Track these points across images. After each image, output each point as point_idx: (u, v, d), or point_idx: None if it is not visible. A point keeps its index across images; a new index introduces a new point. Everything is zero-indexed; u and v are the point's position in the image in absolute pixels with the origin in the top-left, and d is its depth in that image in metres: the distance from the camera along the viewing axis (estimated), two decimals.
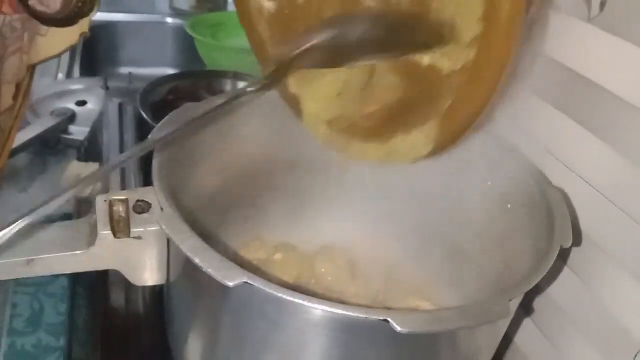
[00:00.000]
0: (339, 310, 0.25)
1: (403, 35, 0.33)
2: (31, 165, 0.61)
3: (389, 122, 0.36)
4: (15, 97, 0.33)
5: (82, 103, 0.74)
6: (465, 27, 0.30)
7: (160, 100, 0.65)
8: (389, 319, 0.24)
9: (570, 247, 0.32)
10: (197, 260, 0.26)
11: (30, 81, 0.34)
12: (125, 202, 0.33)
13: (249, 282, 0.25)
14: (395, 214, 0.43)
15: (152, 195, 0.33)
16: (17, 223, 0.26)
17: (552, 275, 0.36)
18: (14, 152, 0.59)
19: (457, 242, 0.40)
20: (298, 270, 0.43)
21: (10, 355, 0.37)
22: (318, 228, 0.45)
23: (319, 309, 0.25)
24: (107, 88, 0.75)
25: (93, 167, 0.58)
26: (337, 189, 0.44)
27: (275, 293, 0.25)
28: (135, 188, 0.51)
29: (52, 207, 0.27)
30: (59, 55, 0.34)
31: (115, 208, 0.33)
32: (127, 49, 0.96)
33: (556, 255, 0.30)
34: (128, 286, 0.45)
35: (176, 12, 1.00)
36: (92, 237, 0.32)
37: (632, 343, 0.31)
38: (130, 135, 0.61)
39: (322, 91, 0.38)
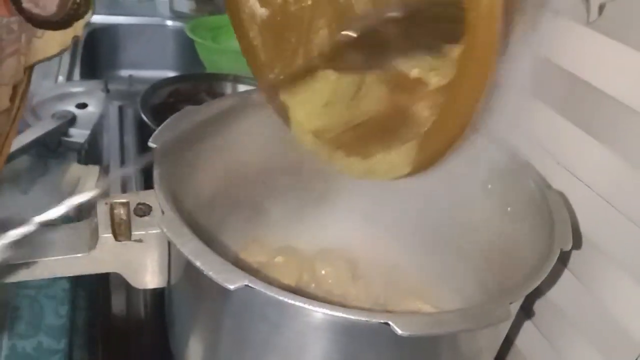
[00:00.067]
0: (340, 313, 0.25)
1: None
2: (32, 168, 0.61)
3: (371, 139, 0.36)
4: (12, 99, 0.33)
5: (82, 106, 0.74)
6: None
7: (161, 102, 0.65)
8: (389, 322, 0.24)
9: (570, 250, 0.32)
10: (197, 263, 0.26)
11: (28, 83, 0.34)
12: (126, 205, 0.33)
13: (249, 285, 0.25)
14: (395, 217, 0.43)
15: (153, 198, 0.33)
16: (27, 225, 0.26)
17: (552, 277, 0.36)
18: (15, 155, 0.59)
19: (458, 245, 0.40)
20: (298, 273, 0.43)
21: (11, 358, 0.37)
22: (318, 230, 0.45)
23: (319, 312, 0.25)
24: (107, 91, 0.75)
25: (93, 169, 0.58)
26: (337, 192, 0.44)
27: (276, 296, 0.25)
28: (136, 191, 0.51)
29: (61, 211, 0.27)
30: (52, 57, 0.34)
31: (116, 211, 0.33)
32: (127, 51, 0.97)
33: (556, 258, 0.30)
34: (129, 289, 0.45)
35: (176, 15, 1.00)
36: (93, 240, 0.32)
37: (633, 345, 0.31)
38: (130, 137, 0.62)
39: (309, 99, 0.38)
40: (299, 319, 0.27)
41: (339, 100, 0.37)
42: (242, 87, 0.70)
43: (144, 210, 0.33)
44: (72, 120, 0.70)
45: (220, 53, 0.81)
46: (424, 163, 0.32)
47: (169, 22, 0.98)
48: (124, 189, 0.52)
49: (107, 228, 0.32)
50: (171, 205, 0.30)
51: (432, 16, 0.34)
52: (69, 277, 0.39)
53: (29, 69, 0.33)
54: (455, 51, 0.30)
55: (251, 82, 0.69)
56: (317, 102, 0.37)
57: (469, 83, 0.27)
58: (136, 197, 0.34)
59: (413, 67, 0.33)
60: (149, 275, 0.35)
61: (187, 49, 0.87)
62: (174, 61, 0.97)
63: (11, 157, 0.38)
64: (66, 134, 0.69)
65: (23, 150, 0.61)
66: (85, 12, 0.32)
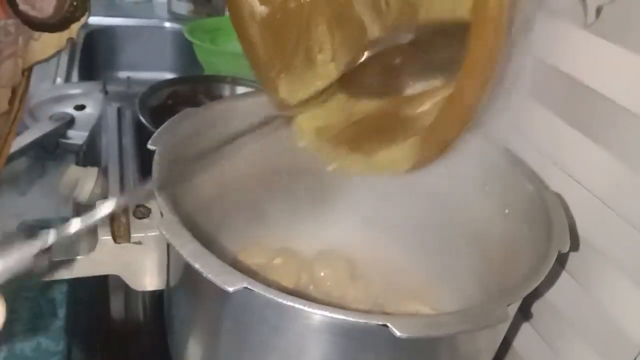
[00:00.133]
0: (339, 315, 0.25)
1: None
2: (30, 170, 0.61)
3: (373, 135, 0.36)
4: (11, 102, 0.33)
5: (80, 107, 0.74)
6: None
7: (159, 104, 0.65)
8: (388, 324, 0.24)
9: (568, 252, 0.32)
10: (196, 265, 0.26)
11: (27, 85, 0.34)
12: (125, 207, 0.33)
13: (248, 287, 0.25)
14: (394, 219, 0.43)
15: (152, 200, 0.33)
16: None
17: (550, 279, 0.36)
18: (13, 157, 0.59)
19: (456, 246, 0.40)
20: (297, 275, 0.43)
21: (9, 359, 0.37)
22: (317, 232, 0.45)
23: (318, 314, 0.25)
24: (105, 92, 0.75)
25: (92, 171, 0.58)
26: (336, 194, 0.44)
27: (275, 298, 0.25)
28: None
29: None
30: (49, 59, 0.34)
31: (115, 213, 0.33)
32: (125, 53, 0.97)
33: (554, 259, 0.30)
34: (127, 291, 0.45)
35: (174, 17, 1.00)
36: (92, 243, 0.32)
37: (631, 346, 0.31)
38: (128, 139, 0.61)
39: (311, 99, 0.38)
40: (297, 321, 0.27)
41: (338, 99, 0.37)
42: (240, 89, 0.70)
43: (143, 213, 0.33)
44: (70, 122, 0.70)
45: (219, 55, 0.81)
46: (427, 158, 0.33)
47: (167, 24, 0.98)
48: (123, 191, 0.52)
49: (106, 230, 0.32)
50: (170, 207, 0.30)
51: (437, 44, 0.34)
52: (68, 280, 0.39)
53: (28, 71, 0.33)
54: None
55: (249, 84, 0.69)
56: (318, 101, 0.38)
57: (475, 75, 0.27)
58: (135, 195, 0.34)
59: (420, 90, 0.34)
60: (148, 277, 0.35)
61: (185, 51, 0.87)
62: (172, 63, 0.97)
63: (9, 158, 0.38)
64: (64, 136, 0.68)
65: (21, 152, 0.61)
66: (82, 15, 0.32)
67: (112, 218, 0.33)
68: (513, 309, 0.31)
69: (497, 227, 0.37)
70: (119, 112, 0.66)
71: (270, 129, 0.41)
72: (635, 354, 0.31)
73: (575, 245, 0.34)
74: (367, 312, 0.29)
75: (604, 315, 0.33)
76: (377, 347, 0.27)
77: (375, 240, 0.45)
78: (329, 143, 0.38)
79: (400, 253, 0.44)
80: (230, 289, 0.25)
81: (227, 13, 1.06)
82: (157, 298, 0.44)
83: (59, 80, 0.81)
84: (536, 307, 0.38)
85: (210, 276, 0.26)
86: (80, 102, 0.74)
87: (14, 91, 0.33)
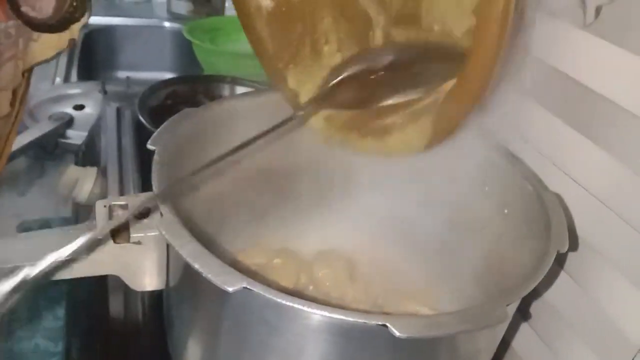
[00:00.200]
0: (338, 315, 0.25)
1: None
2: (29, 170, 0.61)
3: (382, 120, 0.37)
4: (12, 103, 0.33)
5: (79, 107, 0.74)
6: (456, 20, 0.31)
7: (159, 104, 0.65)
8: (387, 324, 0.24)
9: (567, 252, 0.32)
10: (196, 266, 0.26)
11: (27, 86, 0.34)
12: (125, 207, 0.33)
13: (248, 287, 0.25)
14: (393, 219, 0.43)
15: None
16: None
17: (549, 279, 0.36)
18: (12, 156, 0.59)
19: (455, 247, 0.40)
20: (297, 275, 0.43)
21: None
22: (317, 233, 0.45)
23: (318, 314, 0.25)
24: (104, 92, 0.75)
25: (91, 171, 0.58)
26: (336, 194, 0.44)
27: (275, 298, 0.25)
28: (135, 193, 0.51)
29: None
30: (49, 60, 0.34)
31: (115, 213, 0.33)
32: (124, 53, 0.97)
33: (553, 259, 0.30)
34: (127, 291, 0.45)
35: (174, 17, 1.00)
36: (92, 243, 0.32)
37: (629, 346, 0.31)
38: (128, 139, 0.61)
39: (318, 86, 0.38)
40: (297, 321, 0.27)
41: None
42: (240, 89, 0.70)
43: (142, 213, 0.33)
44: (69, 122, 0.70)
45: (218, 55, 0.81)
46: (440, 136, 0.33)
47: (167, 24, 0.98)
48: (122, 191, 0.52)
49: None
50: (170, 207, 0.30)
51: (417, 64, 0.35)
52: (67, 280, 0.39)
53: (28, 73, 0.33)
54: (459, 30, 0.30)
55: (249, 84, 0.70)
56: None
57: (486, 49, 0.27)
58: (135, 199, 0.34)
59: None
60: (147, 277, 0.35)
61: (185, 51, 0.87)
62: (172, 63, 0.97)
63: (9, 158, 0.38)
64: (63, 136, 0.69)
65: (20, 152, 0.62)
66: (82, 16, 0.32)
67: (111, 218, 0.33)
68: (512, 309, 0.31)
69: (497, 227, 0.37)
70: (118, 112, 0.66)
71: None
72: (633, 354, 0.31)
73: (574, 245, 0.34)
74: (366, 312, 0.29)
75: (602, 315, 0.33)
76: (377, 347, 0.27)
77: (374, 241, 0.45)
78: (339, 130, 0.39)
79: (399, 253, 0.44)
80: (230, 289, 0.25)
81: (226, 13, 1.06)
82: (156, 298, 0.44)
83: (58, 80, 0.81)
84: (535, 307, 0.38)
85: (209, 276, 0.26)
86: (79, 102, 0.74)
87: (14, 93, 0.33)
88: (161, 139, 0.35)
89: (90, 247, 0.31)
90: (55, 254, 0.27)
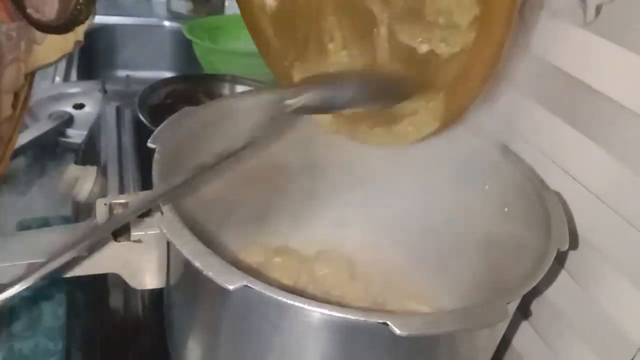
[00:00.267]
0: (338, 313, 0.25)
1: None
2: (29, 169, 0.61)
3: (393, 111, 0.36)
4: (14, 106, 0.33)
5: (79, 106, 0.74)
6: (461, 11, 0.31)
7: (158, 103, 0.65)
8: (388, 322, 0.24)
9: (567, 250, 0.32)
10: (197, 264, 0.26)
11: (29, 89, 0.34)
12: (125, 205, 0.33)
13: (248, 285, 0.25)
14: (394, 218, 0.43)
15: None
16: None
17: (549, 278, 0.36)
18: (12, 155, 0.59)
19: (455, 246, 0.40)
20: (297, 273, 0.43)
21: (8, 359, 0.37)
22: (317, 231, 0.45)
23: (318, 312, 0.25)
24: (104, 91, 0.75)
25: (91, 170, 0.58)
26: (336, 193, 0.44)
27: (275, 296, 0.25)
28: (135, 192, 0.51)
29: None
30: (54, 63, 0.34)
31: (115, 211, 0.33)
32: (124, 52, 0.97)
33: (553, 258, 0.30)
34: (127, 290, 0.45)
35: (174, 16, 1.00)
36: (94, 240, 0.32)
37: (629, 345, 0.31)
38: (127, 138, 0.62)
39: None
40: (297, 319, 0.27)
41: None
42: (240, 88, 0.70)
43: (143, 211, 0.33)
44: (69, 121, 0.70)
45: (218, 53, 0.81)
46: (454, 114, 0.33)
47: (166, 23, 0.98)
48: (123, 190, 0.52)
49: None
50: (170, 205, 0.30)
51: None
52: (67, 279, 0.39)
53: (30, 76, 0.33)
54: (465, 18, 0.31)
55: (249, 83, 0.70)
56: None
57: (498, 21, 0.28)
58: (135, 197, 0.34)
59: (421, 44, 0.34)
60: (147, 276, 0.35)
61: (185, 50, 0.87)
62: (171, 62, 0.97)
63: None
64: (63, 135, 0.69)
65: (20, 151, 0.61)
66: (86, 18, 0.32)
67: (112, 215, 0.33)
68: (512, 307, 0.31)
69: (497, 226, 0.37)
70: (118, 111, 0.66)
71: (270, 129, 0.41)
72: (633, 353, 0.31)
73: (574, 243, 0.34)
74: (367, 310, 0.29)
75: (602, 314, 0.33)
76: (377, 345, 0.27)
77: (374, 240, 0.45)
78: (347, 124, 0.39)
79: (399, 252, 0.44)
80: (231, 287, 0.25)
81: (226, 12, 1.06)
82: (156, 297, 0.44)
83: (57, 79, 0.81)
84: (535, 306, 0.38)
85: (210, 274, 0.26)
86: (79, 101, 0.74)
87: (16, 95, 0.33)
88: (161, 138, 0.35)
89: (92, 246, 0.31)
90: (60, 250, 0.27)
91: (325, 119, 0.39)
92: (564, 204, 0.35)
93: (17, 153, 0.60)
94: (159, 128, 0.36)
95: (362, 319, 0.25)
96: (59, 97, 0.75)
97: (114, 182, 0.53)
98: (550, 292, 0.37)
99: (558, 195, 0.35)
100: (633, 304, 0.31)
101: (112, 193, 0.51)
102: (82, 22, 0.32)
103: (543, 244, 0.31)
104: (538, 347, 0.38)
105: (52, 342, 0.38)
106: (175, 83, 0.69)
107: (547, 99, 0.36)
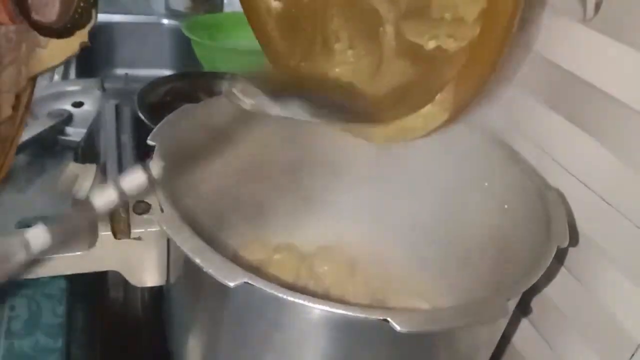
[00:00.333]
0: (339, 310, 0.25)
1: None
2: (28, 167, 0.60)
3: (400, 104, 0.36)
4: (15, 107, 0.33)
5: (78, 104, 0.74)
6: (467, 5, 0.31)
7: (158, 101, 0.65)
8: (388, 319, 0.24)
9: (567, 247, 0.32)
10: (197, 261, 0.26)
11: (32, 92, 0.34)
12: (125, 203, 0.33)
13: (249, 282, 0.25)
14: (394, 214, 0.43)
15: (152, 196, 0.33)
16: None
17: (549, 275, 0.36)
18: None
19: (456, 243, 0.40)
20: (297, 270, 0.43)
21: (7, 357, 0.37)
22: (317, 228, 0.45)
23: (318, 309, 0.25)
24: (103, 89, 0.75)
25: (90, 168, 0.58)
26: (336, 190, 0.44)
27: (276, 293, 0.25)
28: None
29: None
30: (59, 65, 0.34)
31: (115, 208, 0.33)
32: (123, 49, 0.96)
33: (553, 255, 0.30)
34: (126, 287, 0.45)
35: (172, 13, 1.00)
36: (92, 238, 0.32)
37: (629, 342, 0.31)
38: (127, 136, 0.61)
39: None
40: (298, 316, 0.27)
41: (361, 78, 0.38)
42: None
43: (143, 208, 0.33)
44: (68, 119, 0.70)
45: (217, 51, 0.81)
46: (463, 102, 0.33)
47: (165, 21, 0.98)
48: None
49: (106, 226, 0.32)
50: (170, 203, 0.30)
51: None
52: (67, 276, 0.39)
53: (33, 79, 0.33)
54: (472, 12, 0.31)
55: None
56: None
57: (500, 24, 0.28)
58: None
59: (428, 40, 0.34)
60: (148, 273, 0.35)
61: (184, 48, 0.87)
62: (171, 59, 0.97)
63: None
64: (62, 133, 0.68)
65: (19, 149, 0.61)
66: (88, 22, 0.32)
67: (112, 213, 0.33)
68: (512, 305, 0.31)
69: (497, 223, 0.37)
70: (117, 108, 0.66)
71: (270, 125, 0.41)
72: (632, 350, 0.31)
73: (574, 240, 0.34)
74: (367, 306, 0.29)
75: (601, 311, 0.33)
76: (377, 342, 0.27)
77: (375, 236, 0.45)
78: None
79: (400, 249, 0.44)
80: (231, 284, 0.25)
81: (225, 9, 1.06)
82: (156, 294, 0.44)
83: (56, 77, 0.81)
84: (535, 303, 0.38)
85: (211, 271, 0.26)
86: (78, 99, 0.74)
87: (18, 98, 0.33)
88: (161, 135, 0.35)
89: (91, 241, 0.31)
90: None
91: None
92: (564, 201, 0.35)
93: (16, 151, 0.60)
94: (158, 126, 0.36)
95: (363, 315, 0.25)
96: (57, 95, 0.75)
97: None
98: (550, 289, 0.37)
99: (558, 192, 0.35)
100: (633, 300, 0.31)
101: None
102: (83, 27, 0.32)
103: (543, 241, 0.31)
104: (538, 344, 0.38)
105: (52, 339, 0.38)
106: (174, 81, 0.69)
107: (547, 96, 0.36)
